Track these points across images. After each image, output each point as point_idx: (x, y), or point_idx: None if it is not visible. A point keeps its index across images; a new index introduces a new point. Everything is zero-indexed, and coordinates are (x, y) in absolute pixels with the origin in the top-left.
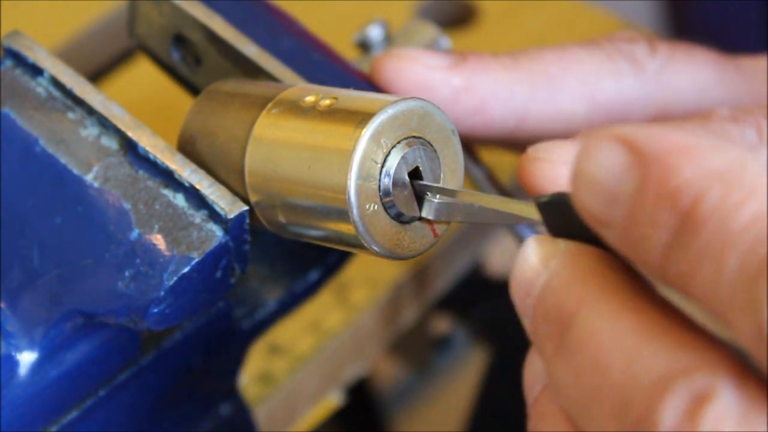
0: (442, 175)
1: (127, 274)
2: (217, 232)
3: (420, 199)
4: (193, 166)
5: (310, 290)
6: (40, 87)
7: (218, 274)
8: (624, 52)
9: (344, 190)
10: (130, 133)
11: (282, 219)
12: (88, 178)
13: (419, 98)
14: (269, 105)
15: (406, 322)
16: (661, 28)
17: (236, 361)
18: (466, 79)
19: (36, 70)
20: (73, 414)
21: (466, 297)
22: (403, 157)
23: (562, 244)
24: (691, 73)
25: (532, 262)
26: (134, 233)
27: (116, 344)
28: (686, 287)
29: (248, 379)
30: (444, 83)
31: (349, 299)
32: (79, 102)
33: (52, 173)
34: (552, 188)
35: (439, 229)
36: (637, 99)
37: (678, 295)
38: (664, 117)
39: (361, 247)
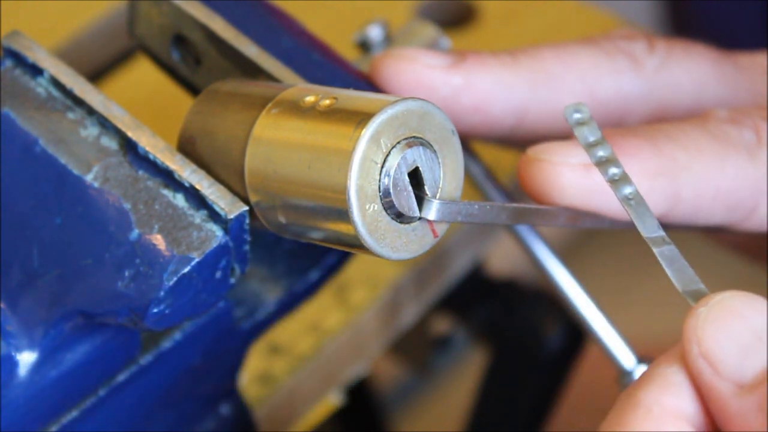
0: (441, 175)
1: (126, 274)
2: (217, 233)
3: (420, 199)
4: (193, 166)
5: (310, 290)
6: (40, 87)
7: (218, 274)
8: (623, 50)
9: (344, 190)
10: (130, 133)
11: (282, 219)
12: (88, 178)
13: (419, 98)
14: (269, 105)
15: (406, 322)
16: (660, 28)
17: (236, 361)
18: (465, 78)
19: (36, 71)
20: (73, 414)
21: (466, 297)
22: (402, 158)
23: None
24: (690, 69)
25: None
26: (134, 233)
27: (116, 344)
28: None
29: (248, 379)
30: (444, 83)
31: (349, 299)
32: (79, 102)
33: (52, 173)
34: (552, 191)
35: (439, 229)
36: (636, 96)
37: None
38: (662, 114)
39: (360, 247)
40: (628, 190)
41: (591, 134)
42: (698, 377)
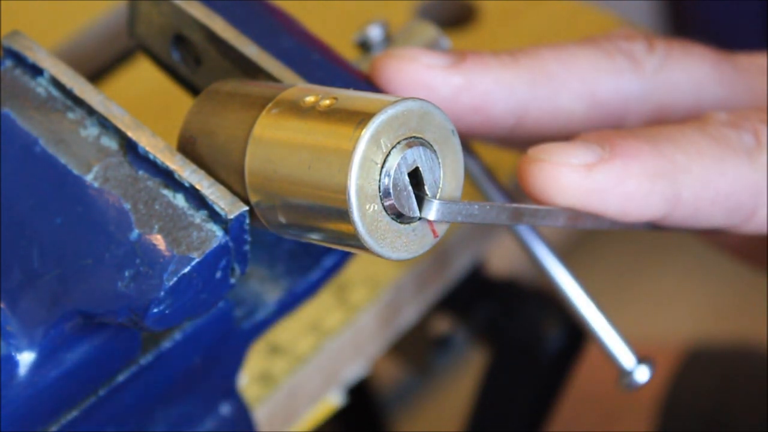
0: (441, 175)
1: (126, 274)
2: (217, 233)
3: (420, 199)
4: (193, 166)
5: (310, 290)
6: (40, 87)
7: (218, 274)
8: (623, 50)
9: (344, 190)
10: (130, 133)
11: (282, 219)
12: (88, 178)
13: (419, 98)
14: (269, 105)
15: (406, 322)
16: (660, 29)
17: (236, 361)
18: (465, 78)
19: (36, 71)
20: (73, 414)
21: (466, 297)
22: (402, 158)
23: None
24: (689, 70)
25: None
26: (134, 233)
27: (116, 344)
28: None
29: (248, 379)
30: (444, 82)
31: (349, 299)
32: (79, 102)
33: (52, 173)
34: (553, 191)
35: (439, 229)
36: (635, 97)
37: None
38: (661, 115)
39: (361, 247)
40: None
41: None
42: None
